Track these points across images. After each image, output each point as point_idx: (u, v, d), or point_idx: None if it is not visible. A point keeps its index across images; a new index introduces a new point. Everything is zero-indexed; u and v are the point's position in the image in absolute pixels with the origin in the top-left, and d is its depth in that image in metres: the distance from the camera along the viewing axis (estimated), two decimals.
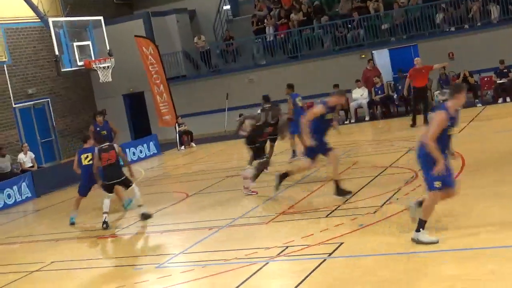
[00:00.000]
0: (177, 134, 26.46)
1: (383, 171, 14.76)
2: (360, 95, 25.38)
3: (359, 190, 13.16)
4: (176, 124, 26.61)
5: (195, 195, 15.86)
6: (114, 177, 14.02)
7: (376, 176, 14.29)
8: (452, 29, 26.49)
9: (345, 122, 25.18)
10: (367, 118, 25.03)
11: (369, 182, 13.80)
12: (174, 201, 15.55)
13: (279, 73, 28.42)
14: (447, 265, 8.27)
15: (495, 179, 12.36)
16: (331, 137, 13.21)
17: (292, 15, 29.62)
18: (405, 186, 12.83)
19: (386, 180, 13.88)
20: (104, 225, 13.89)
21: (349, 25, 27.87)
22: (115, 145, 14.42)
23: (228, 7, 33.84)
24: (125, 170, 14.49)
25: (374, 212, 11.30)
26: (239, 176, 16.80)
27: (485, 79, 24.62)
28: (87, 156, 14.63)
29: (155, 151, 26.00)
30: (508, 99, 23.01)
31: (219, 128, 28.92)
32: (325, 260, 9.31)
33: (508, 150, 14.89)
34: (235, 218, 12.86)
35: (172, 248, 11.74)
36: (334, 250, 9.62)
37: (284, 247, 10.19)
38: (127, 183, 14.18)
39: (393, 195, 12.27)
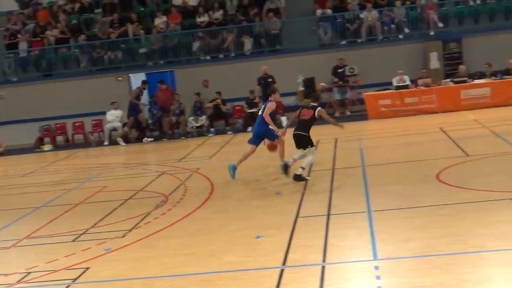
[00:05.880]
0: None
1: (134, 194, 14.69)
2: (115, 117, 25.12)
3: (108, 214, 12.95)
4: None
5: None
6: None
7: (127, 200, 14.18)
8: (208, 57, 27.32)
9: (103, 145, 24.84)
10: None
11: (119, 206, 13.64)
12: None
13: (33, 90, 27.36)
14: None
15: (241, 203, 12.79)
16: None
17: (48, 32, 28.72)
18: (155, 210, 12.85)
19: (136, 203, 13.82)
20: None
21: (107, 47, 27.68)
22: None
23: None
24: None
25: (122, 236, 11.16)
26: None
27: (237, 108, 25.60)
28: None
29: None
30: None
31: None
32: (69, 286, 9.00)
33: (254, 178, 15.53)
34: None
35: None
36: (80, 276, 9.33)
37: (26, 273, 9.69)
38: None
39: (143, 219, 12.22)
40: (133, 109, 24.82)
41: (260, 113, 15.29)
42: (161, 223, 11.79)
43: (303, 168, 14.07)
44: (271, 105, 15.13)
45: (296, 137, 14.36)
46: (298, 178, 13.99)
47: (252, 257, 9.38)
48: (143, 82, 25.52)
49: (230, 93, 25.34)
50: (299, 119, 14.58)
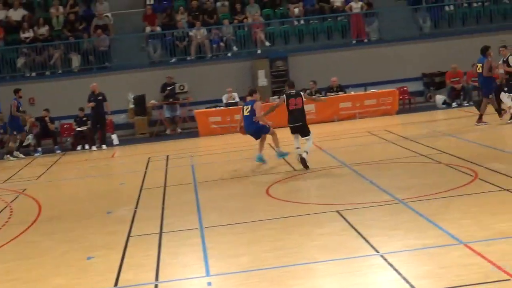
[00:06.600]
0: None
1: None
2: None
3: None
4: None
5: None
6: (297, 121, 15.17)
7: None
8: (34, 74, 26.46)
9: None
10: None
11: None
12: None
13: None
14: None
15: (70, 224, 12.44)
16: None
17: None
18: None
19: None
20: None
21: None
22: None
23: None
24: None
25: None
26: None
27: (65, 126, 24.94)
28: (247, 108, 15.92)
29: None
30: (86, 146, 23.51)
31: None
32: None
33: (83, 197, 15.14)
34: None
35: None
36: None
37: None
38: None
39: None
40: (15, 123, 23.02)
41: (246, 113, 15.90)
42: None
43: (307, 152, 15.09)
44: (258, 104, 15.96)
45: (297, 128, 15.28)
46: (304, 162, 15.03)
47: (83, 279, 9.14)
48: (16, 91, 23.08)
49: (58, 111, 24.66)
50: (291, 110, 15.21)
